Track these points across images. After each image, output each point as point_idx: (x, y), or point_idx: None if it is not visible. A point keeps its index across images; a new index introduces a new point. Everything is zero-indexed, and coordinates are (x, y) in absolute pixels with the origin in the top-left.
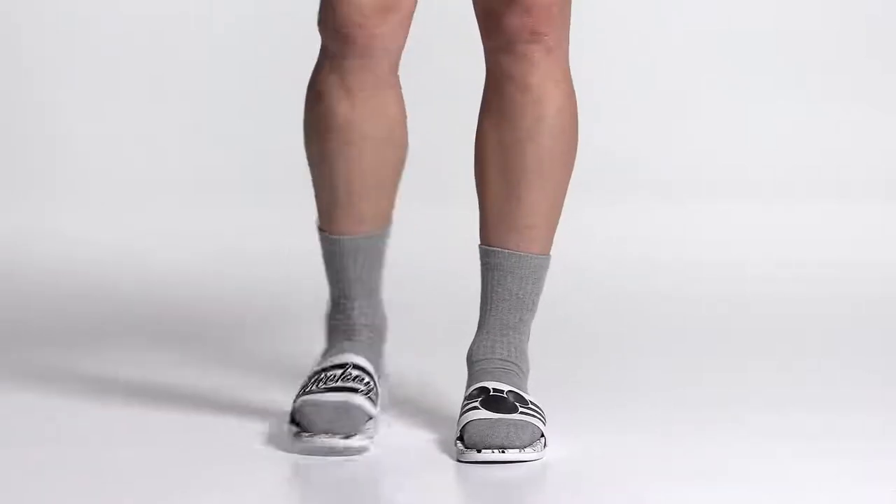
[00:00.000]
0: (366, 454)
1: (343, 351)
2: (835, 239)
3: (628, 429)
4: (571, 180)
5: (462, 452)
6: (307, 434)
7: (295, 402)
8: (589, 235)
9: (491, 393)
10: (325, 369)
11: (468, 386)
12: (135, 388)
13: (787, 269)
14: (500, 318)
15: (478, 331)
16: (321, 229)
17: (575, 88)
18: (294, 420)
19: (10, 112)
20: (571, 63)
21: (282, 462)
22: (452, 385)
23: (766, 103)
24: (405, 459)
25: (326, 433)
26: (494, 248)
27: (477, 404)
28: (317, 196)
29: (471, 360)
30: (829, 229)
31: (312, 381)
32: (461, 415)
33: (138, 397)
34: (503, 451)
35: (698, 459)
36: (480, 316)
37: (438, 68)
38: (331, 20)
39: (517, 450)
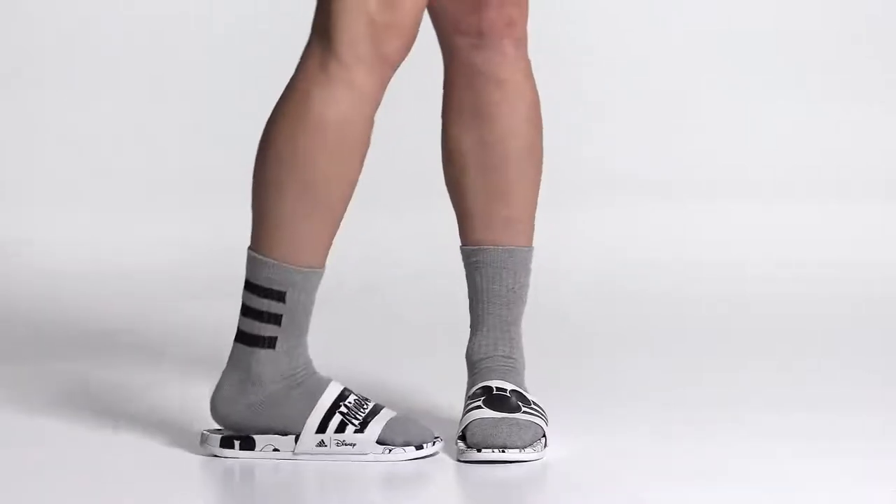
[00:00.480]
0: (361, 457)
1: (328, 380)
2: (835, 239)
3: (629, 429)
4: (571, 179)
5: (462, 452)
6: (428, 445)
7: (355, 431)
8: (589, 235)
9: (494, 392)
10: (342, 398)
11: (471, 385)
12: (135, 389)
13: (787, 269)
14: (499, 314)
15: (475, 330)
16: (290, 265)
17: (575, 88)
18: (385, 442)
19: (9, 112)
20: (571, 63)
21: (282, 463)
22: (451, 385)
23: (766, 103)
24: (405, 459)
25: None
26: (485, 247)
27: (480, 403)
28: (299, 227)
29: (472, 359)
30: (829, 229)
31: (350, 412)
32: (464, 414)
33: (139, 397)
34: (503, 451)
35: (698, 459)
36: (475, 315)
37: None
38: (399, 24)
39: (517, 450)
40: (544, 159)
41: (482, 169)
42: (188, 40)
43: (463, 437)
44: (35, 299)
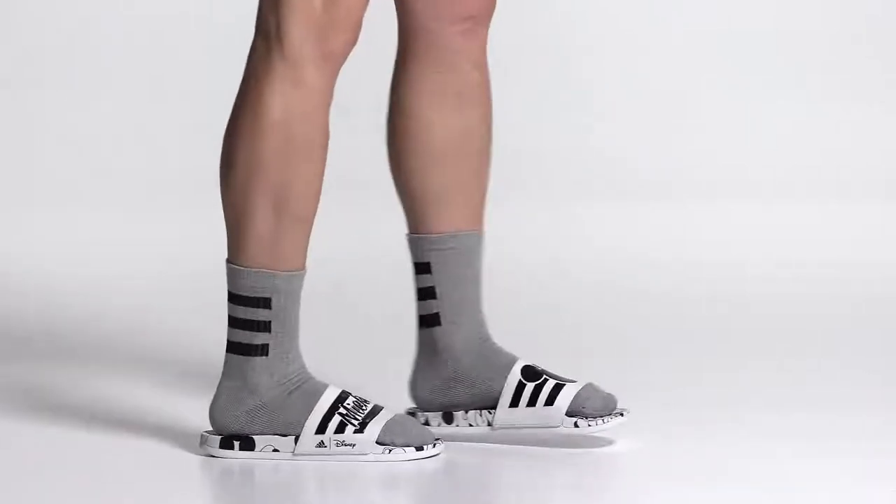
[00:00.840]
0: (361, 457)
1: (326, 384)
2: (835, 239)
3: (628, 429)
4: (570, 179)
5: (587, 425)
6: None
7: (344, 431)
8: (589, 235)
9: (539, 368)
10: (341, 399)
11: (502, 370)
12: (135, 389)
13: (787, 269)
14: (476, 298)
15: (455, 317)
16: (270, 271)
17: (574, 88)
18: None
19: (9, 112)
20: (571, 63)
21: (282, 463)
22: None
23: (766, 103)
24: (405, 459)
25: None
26: (458, 233)
27: (560, 380)
28: (272, 231)
29: (471, 344)
30: (829, 229)
31: (349, 413)
32: (560, 391)
33: (139, 397)
34: (621, 415)
35: (698, 459)
36: (451, 302)
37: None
38: (345, 19)
39: (622, 414)
40: (544, 158)
41: (462, 154)
42: (188, 40)
43: (577, 413)
44: (34, 299)
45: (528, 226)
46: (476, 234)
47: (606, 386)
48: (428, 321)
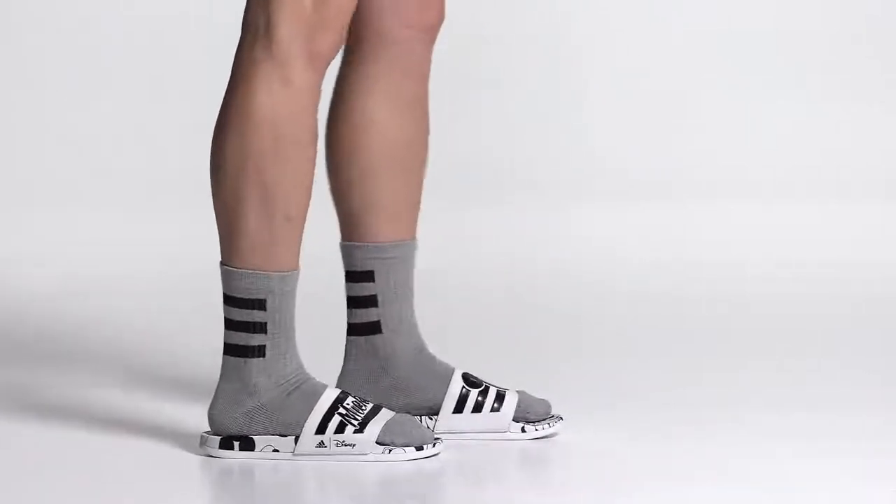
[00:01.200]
0: (361, 457)
1: (325, 385)
2: (835, 239)
3: (628, 429)
4: (570, 179)
5: (533, 429)
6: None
7: (343, 431)
8: (588, 235)
9: (473, 376)
10: (341, 399)
11: (443, 376)
12: (135, 389)
13: (787, 269)
14: (412, 306)
15: (398, 324)
16: (264, 272)
17: (574, 88)
18: (380, 442)
19: (9, 112)
20: (571, 63)
21: (282, 463)
22: None
23: (766, 103)
24: (405, 459)
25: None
26: (400, 242)
27: (504, 387)
28: (264, 231)
29: (411, 352)
30: (829, 229)
31: (349, 413)
32: (504, 397)
33: (139, 397)
34: (561, 418)
35: (698, 459)
36: (393, 310)
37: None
38: (334, 19)
39: (562, 417)
40: (544, 159)
41: (413, 161)
42: (188, 40)
43: (522, 419)
44: (34, 300)
45: (527, 226)
46: (412, 244)
47: (607, 386)
48: (366, 329)
